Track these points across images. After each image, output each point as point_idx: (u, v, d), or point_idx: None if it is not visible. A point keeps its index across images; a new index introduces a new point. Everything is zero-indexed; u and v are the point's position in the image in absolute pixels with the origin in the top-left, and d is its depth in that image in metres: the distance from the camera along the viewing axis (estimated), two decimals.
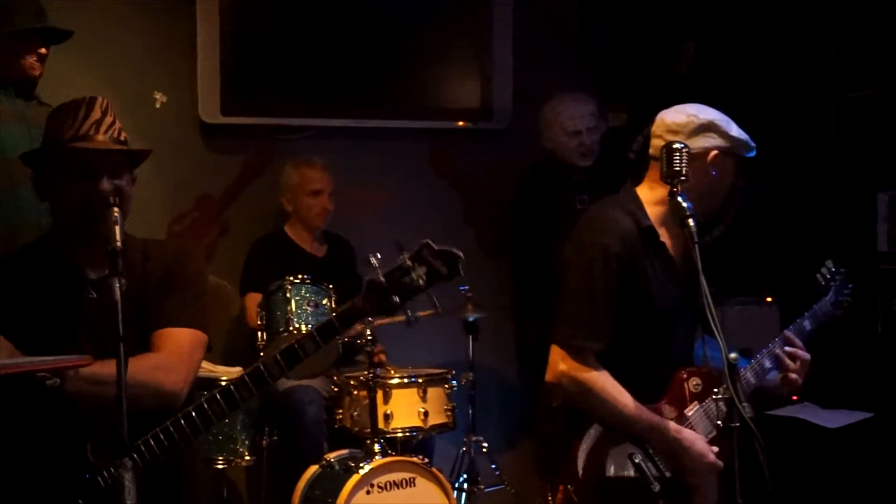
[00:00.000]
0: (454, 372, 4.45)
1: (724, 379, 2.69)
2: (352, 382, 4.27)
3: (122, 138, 2.72)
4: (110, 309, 2.26)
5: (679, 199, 2.90)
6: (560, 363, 2.94)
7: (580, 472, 2.91)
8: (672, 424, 2.97)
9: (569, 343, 2.93)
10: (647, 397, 2.99)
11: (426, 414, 4.24)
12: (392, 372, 4.34)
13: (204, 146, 4.99)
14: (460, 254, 2.42)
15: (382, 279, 2.39)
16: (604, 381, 2.92)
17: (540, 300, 4.58)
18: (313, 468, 4.06)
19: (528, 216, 5.19)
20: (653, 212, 3.08)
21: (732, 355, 2.76)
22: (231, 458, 4.25)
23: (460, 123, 5.40)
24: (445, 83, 5.43)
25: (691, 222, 2.84)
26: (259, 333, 4.15)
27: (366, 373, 4.13)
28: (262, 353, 4.04)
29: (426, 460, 4.05)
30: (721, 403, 2.82)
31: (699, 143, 3.06)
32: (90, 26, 4.46)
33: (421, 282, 2.36)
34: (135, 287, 2.54)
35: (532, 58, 5.45)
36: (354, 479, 3.88)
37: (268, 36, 5.00)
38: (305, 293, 4.18)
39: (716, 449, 3.00)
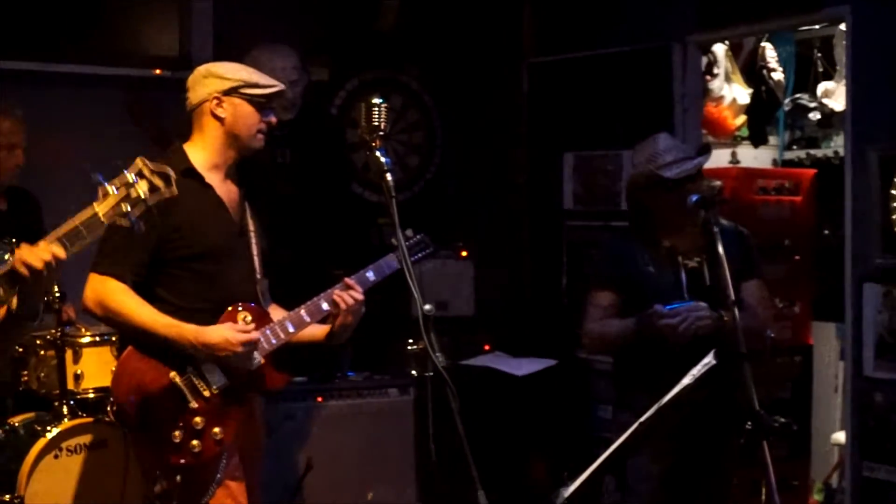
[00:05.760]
0: None
1: (420, 330, 2.79)
2: (38, 342, 4.05)
3: None
4: None
5: (378, 153, 2.95)
6: (91, 289, 3.09)
7: (115, 391, 3.12)
8: (192, 325, 3.08)
9: (99, 272, 3.08)
10: None
11: None
12: (83, 330, 4.13)
13: None
14: (171, 172, 2.58)
15: (112, 189, 2.49)
16: (123, 295, 3.06)
17: None
18: None
19: None
20: (196, 158, 3.21)
21: (427, 307, 2.86)
22: None
23: (157, 71, 5.20)
24: (142, 28, 5.21)
25: (389, 177, 2.91)
26: None
27: (54, 331, 3.92)
28: None
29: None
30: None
31: (199, 93, 3.22)
32: None
33: (144, 194, 2.51)
34: None
35: (233, 7, 5.33)
36: (41, 443, 3.74)
37: None
38: None
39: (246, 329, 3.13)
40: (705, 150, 3.54)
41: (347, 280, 3.30)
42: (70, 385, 3.95)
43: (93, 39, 5.04)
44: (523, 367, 5.01)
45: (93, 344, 4.07)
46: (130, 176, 2.52)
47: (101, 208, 2.49)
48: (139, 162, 2.56)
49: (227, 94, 3.20)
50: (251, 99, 3.22)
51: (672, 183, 3.38)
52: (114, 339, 4.09)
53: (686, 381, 2.80)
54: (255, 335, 3.12)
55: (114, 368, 3.23)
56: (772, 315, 3.55)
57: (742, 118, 5.73)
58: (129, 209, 2.50)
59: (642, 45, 5.09)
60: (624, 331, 3.42)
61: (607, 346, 3.59)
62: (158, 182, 2.55)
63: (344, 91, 5.61)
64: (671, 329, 3.26)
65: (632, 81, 5.15)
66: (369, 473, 4.60)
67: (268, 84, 3.25)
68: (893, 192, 4.03)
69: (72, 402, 3.92)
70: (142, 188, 2.51)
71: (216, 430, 3.10)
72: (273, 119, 3.29)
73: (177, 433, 3.05)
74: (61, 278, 3.90)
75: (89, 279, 3.10)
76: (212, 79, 3.22)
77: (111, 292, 3.06)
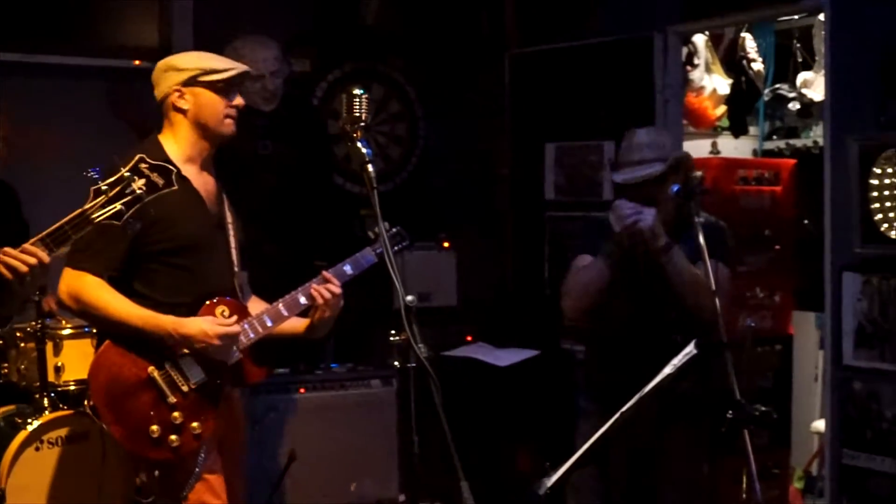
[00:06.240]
0: None
1: (403, 321, 2.81)
2: (18, 334, 4.03)
3: None
4: None
5: (359, 144, 2.97)
6: (66, 284, 3.07)
7: (92, 385, 3.10)
8: (169, 317, 3.06)
9: (72, 266, 3.05)
10: None
11: None
12: (63, 322, 4.12)
13: None
14: (173, 168, 2.58)
15: (105, 187, 2.46)
16: (98, 289, 3.04)
17: None
18: None
19: None
20: (171, 151, 3.17)
21: (409, 298, 2.86)
22: None
23: (137, 62, 5.17)
24: (123, 19, 5.19)
25: (370, 168, 2.92)
26: None
27: (34, 323, 3.90)
28: None
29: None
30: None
31: (162, 87, 3.20)
32: None
33: (140, 191, 2.49)
34: None
35: None
36: (21, 435, 3.71)
37: None
38: None
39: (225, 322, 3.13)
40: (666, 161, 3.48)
41: (325, 273, 3.29)
42: (51, 377, 3.93)
43: (73, 30, 5.01)
44: (506, 357, 5.01)
45: (73, 336, 4.05)
46: (126, 172, 2.46)
47: (91, 207, 2.43)
48: (137, 157, 2.51)
49: (186, 85, 3.17)
50: (211, 85, 3.18)
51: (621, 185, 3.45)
52: (94, 331, 4.07)
53: (667, 370, 2.81)
54: (234, 328, 3.11)
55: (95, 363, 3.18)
56: (728, 295, 3.54)
57: (722, 108, 5.74)
58: (122, 208, 2.44)
59: (624, 35, 5.10)
60: (597, 263, 3.42)
61: (587, 288, 3.47)
62: (157, 178, 2.50)
63: (325, 82, 5.59)
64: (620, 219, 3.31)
65: (614, 72, 5.16)
66: (352, 465, 4.60)
67: (226, 67, 3.20)
68: (872, 181, 4.05)
69: (52, 395, 3.90)
70: (138, 185, 2.45)
71: (194, 424, 3.09)
72: (240, 101, 3.24)
73: (155, 428, 3.04)
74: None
75: (64, 274, 3.07)
76: (171, 72, 3.19)
77: (86, 286, 3.04)
